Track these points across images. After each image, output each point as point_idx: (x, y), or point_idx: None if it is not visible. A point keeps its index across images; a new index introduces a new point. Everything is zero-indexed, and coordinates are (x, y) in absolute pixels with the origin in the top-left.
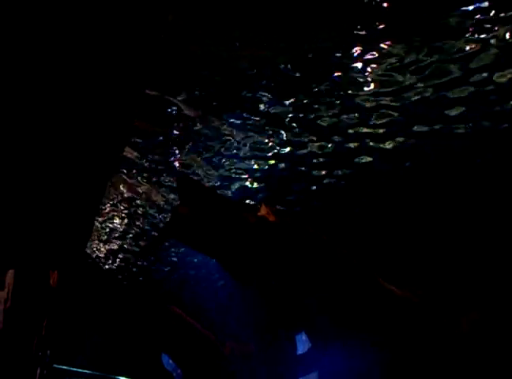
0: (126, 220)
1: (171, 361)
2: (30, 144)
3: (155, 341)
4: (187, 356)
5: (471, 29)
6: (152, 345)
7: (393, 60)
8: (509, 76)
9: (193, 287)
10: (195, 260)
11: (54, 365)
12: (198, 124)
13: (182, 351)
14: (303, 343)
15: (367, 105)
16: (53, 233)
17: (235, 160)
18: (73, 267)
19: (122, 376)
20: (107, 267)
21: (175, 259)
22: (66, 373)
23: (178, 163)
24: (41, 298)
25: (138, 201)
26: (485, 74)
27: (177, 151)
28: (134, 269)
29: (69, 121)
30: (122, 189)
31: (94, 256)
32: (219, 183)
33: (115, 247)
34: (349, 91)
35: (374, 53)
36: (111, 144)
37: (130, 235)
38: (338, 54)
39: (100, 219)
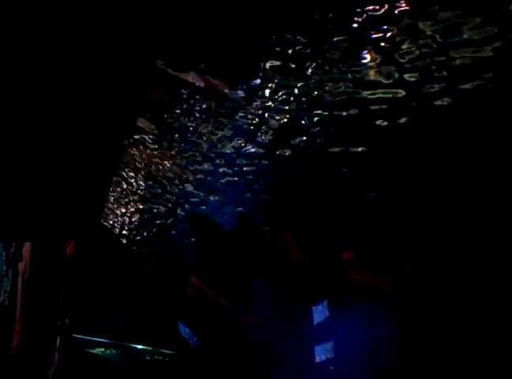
0: (143, 193)
1: (187, 329)
2: (42, 114)
3: (172, 310)
4: (204, 325)
5: None
6: (169, 314)
7: None
8: None
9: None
10: None
11: (73, 335)
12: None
13: (199, 320)
14: (319, 313)
15: None
16: (68, 203)
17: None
18: (90, 237)
19: (140, 344)
20: (125, 237)
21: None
22: (85, 343)
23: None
24: (58, 269)
25: (156, 173)
26: None
27: (191, 124)
28: (153, 241)
29: (80, 89)
30: (137, 160)
31: (111, 226)
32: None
33: (133, 218)
34: None
35: None
36: (122, 112)
37: (148, 207)
38: None
39: (117, 190)
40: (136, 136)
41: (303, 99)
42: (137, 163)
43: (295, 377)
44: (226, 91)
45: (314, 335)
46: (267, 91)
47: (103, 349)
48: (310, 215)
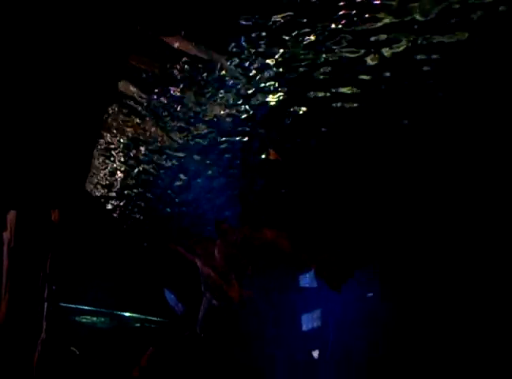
0: (127, 161)
1: (173, 296)
2: (22, 79)
3: (158, 278)
4: (189, 291)
5: None
6: (155, 282)
7: None
8: None
9: (197, 227)
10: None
11: (61, 303)
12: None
13: (183, 287)
14: (308, 281)
15: None
16: (51, 170)
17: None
18: (75, 205)
19: (128, 312)
20: (109, 206)
21: (176, 199)
22: (73, 311)
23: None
24: (44, 237)
25: (141, 142)
26: None
27: (175, 90)
28: (136, 209)
29: (60, 52)
30: (122, 127)
31: (96, 195)
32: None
33: (116, 187)
34: None
35: None
36: (104, 76)
37: (132, 175)
38: None
39: (100, 158)
40: (119, 102)
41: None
42: (119, 129)
43: (281, 345)
44: (208, 57)
45: (301, 304)
46: (249, 59)
47: (90, 317)
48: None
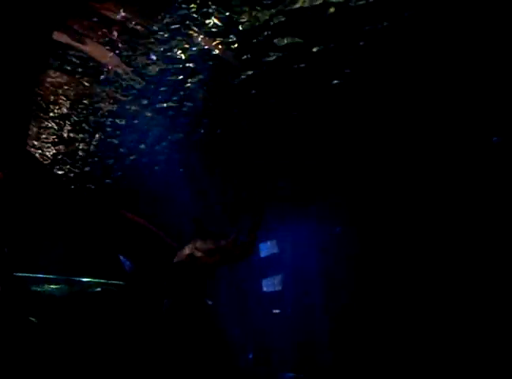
0: (71, 121)
1: (127, 261)
2: None
3: (110, 243)
4: (142, 255)
5: None
6: (108, 247)
7: None
8: None
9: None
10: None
11: (15, 273)
12: None
13: (136, 251)
14: (268, 249)
15: None
16: None
17: None
18: (18, 166)
19: (86, 277)
20: (58, 172)
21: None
22: (28, 280)
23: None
24: None
25: (84, 101)
26: None
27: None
28: (83, 175)
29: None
30: (60, 82)
31: (42, 160)
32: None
33: (61, 150)
34: None
35: None
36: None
37: (75, 136)
38: None
39: (44, 121)
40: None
41: None
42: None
43: (241, 303)
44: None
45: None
46: None
47: (46, 285)
48: None
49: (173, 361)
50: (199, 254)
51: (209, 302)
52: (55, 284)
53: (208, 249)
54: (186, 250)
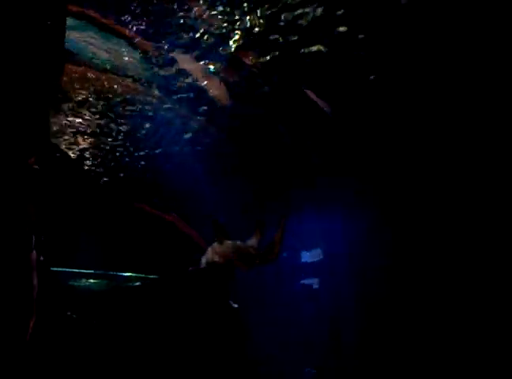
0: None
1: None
2: None
3: (149, 234)
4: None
5: None
6: (148, 238)
7: None
8: None
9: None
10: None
11: (53, 268)
12: None
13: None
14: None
15: None
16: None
17: None
18: (45, 158)
19: (125, 272)
20: (85, 166)
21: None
22: (66, 275)
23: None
24: (23, 182)
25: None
26: None
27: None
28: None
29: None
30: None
31: (68, 154)
32: None
33: (87, 144)
34: None
35: None
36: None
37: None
38: None
39: (68, 113)
40: None
41: None
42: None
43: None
44: None
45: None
46: None
47: (85, 280)
48: None
49: (197, 357)
50: (217, 258)
51: (234, 305)
52: (94, 279)
53: (227, 253)
54: (208, 254)
